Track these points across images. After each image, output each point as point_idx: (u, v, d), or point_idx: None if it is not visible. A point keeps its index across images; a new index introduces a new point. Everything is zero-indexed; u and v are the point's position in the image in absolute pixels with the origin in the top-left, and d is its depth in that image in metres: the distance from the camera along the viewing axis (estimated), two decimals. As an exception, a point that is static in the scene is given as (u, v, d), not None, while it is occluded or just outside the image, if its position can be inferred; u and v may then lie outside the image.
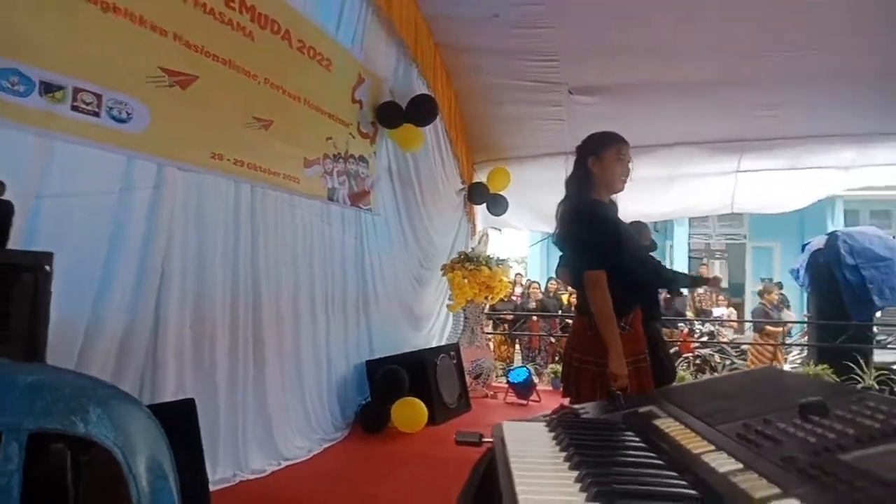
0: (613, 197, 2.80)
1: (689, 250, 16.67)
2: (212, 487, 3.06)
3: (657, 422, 1.29)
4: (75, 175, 2.73)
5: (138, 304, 3.08)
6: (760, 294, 9.67)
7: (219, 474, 3.39)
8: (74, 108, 2.71)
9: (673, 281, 4.38)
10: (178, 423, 2.77)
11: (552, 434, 1.30)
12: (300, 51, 4.29)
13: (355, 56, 4.94)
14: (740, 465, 0.94)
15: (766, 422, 1.09)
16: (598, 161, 2.76)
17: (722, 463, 0.96)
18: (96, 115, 2.81)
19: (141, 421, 2.29)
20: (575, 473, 1.00)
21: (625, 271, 2.65)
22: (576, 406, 1.58)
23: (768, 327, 9.14)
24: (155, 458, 2.22)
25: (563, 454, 1.13)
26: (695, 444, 1.09)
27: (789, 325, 9.89)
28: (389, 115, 5.30)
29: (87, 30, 2.78)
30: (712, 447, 1.06)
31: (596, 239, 2.62)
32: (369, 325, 5.33)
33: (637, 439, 1.24)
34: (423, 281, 6.33)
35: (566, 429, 1.30)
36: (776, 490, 0.81)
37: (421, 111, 5.42)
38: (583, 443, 1.19)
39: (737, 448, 1.02)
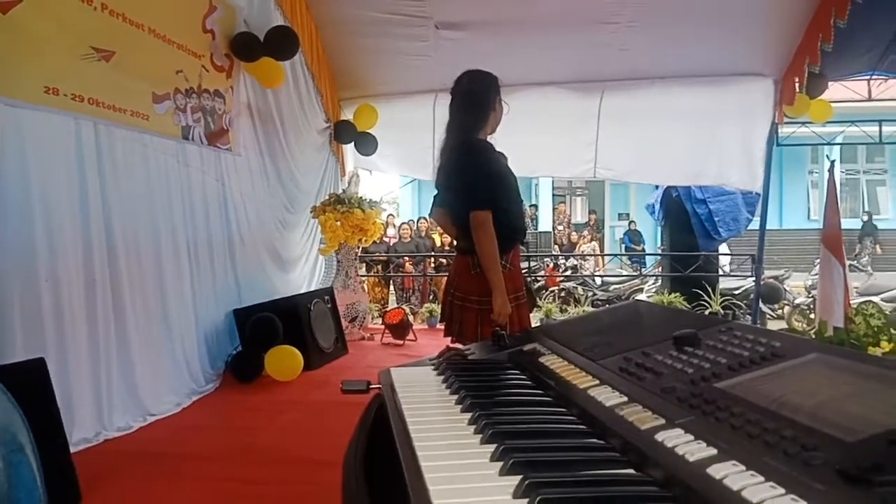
0: None
1: (553, 188, 17.43)
2: (73, 448, 2.89)
3: (542, 359, 1.34)
4: None
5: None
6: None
7: (81, 434, 3.23)
8: None
9: None
10: (28, 385, 2.59)
11: (441, 377, 1.33)
12: (141, -28, 3.93)
13: (204, -19, 4.60)
14: (625, 398, 0.99)
15: (645, 354, 1.16)
16: (499, 101, 2.81)
17: (608, 397, 1.02)
18: None
19: (-13, 391, 2.09)
20: (468, 416, 1.03)
21: (507, 211, 2.73)
22: (462, 347, 1.64)
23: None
24: (7, 429, 2.05)
25: (454, 397, 1.16)
26: (580, 380, 1.14)
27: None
28: (246, 48, 5.01)
29: None
30: (597, 381, 1.11)
31: (486, 179, 2.66)
32: (236, 273, 5.15)
33: (524, 377, 1.29)
34: (288, 224, 6.17)
35: (455, 371, 1.33)
36: (661, 420, 0.87)
37: (280, 44, 5.15)
38: (472, 384, 1.22)
39: (620, 381, 1.08)
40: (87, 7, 3.47)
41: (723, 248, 9.26)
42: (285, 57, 5.31)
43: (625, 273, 11.70)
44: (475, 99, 2.75)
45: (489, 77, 2.80)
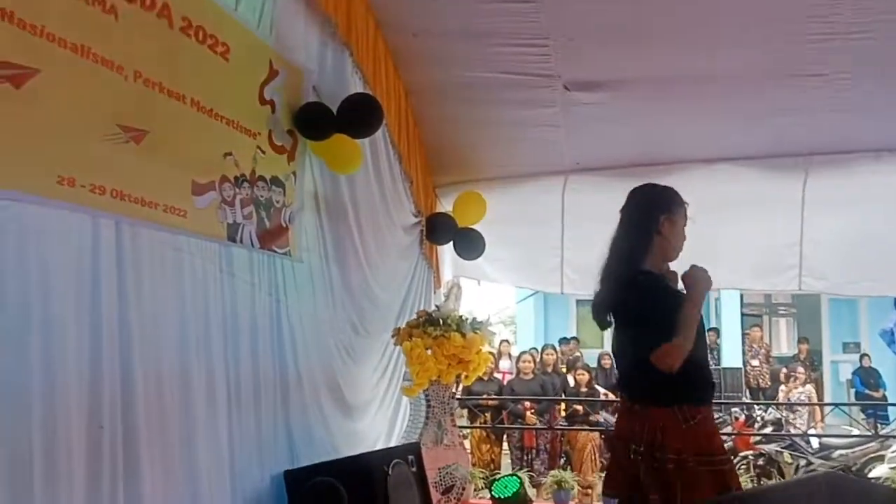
0: None
1: (742, 305, 16.92)
2: None
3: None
4: None
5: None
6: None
7: None
8: None
9: None
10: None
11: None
12: (185, 33, 4.26)
13: (263, 40, 4.98)
14: None
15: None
16: (670, 221, 3.00)
17: None
18: None
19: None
20: None
21: (699, 358, 2.97)
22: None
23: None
24: None
25: None
26: None
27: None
28: (314, 123, 5.31)
29: None
30: None
31: (650, 318, 2.88)
32: (289, 420, 5.26)
33: None
34: (357, 353, 6.27)
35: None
36: None
37: (359, 117, 5.43)
38: None
39: None
40: (116, 76, 3.76)
41: None
42: (365, 133, 5.57)
43: (855, 432, 11.01)
44: (633, 220, 3.01)
45: (654, 191, 3.05)
